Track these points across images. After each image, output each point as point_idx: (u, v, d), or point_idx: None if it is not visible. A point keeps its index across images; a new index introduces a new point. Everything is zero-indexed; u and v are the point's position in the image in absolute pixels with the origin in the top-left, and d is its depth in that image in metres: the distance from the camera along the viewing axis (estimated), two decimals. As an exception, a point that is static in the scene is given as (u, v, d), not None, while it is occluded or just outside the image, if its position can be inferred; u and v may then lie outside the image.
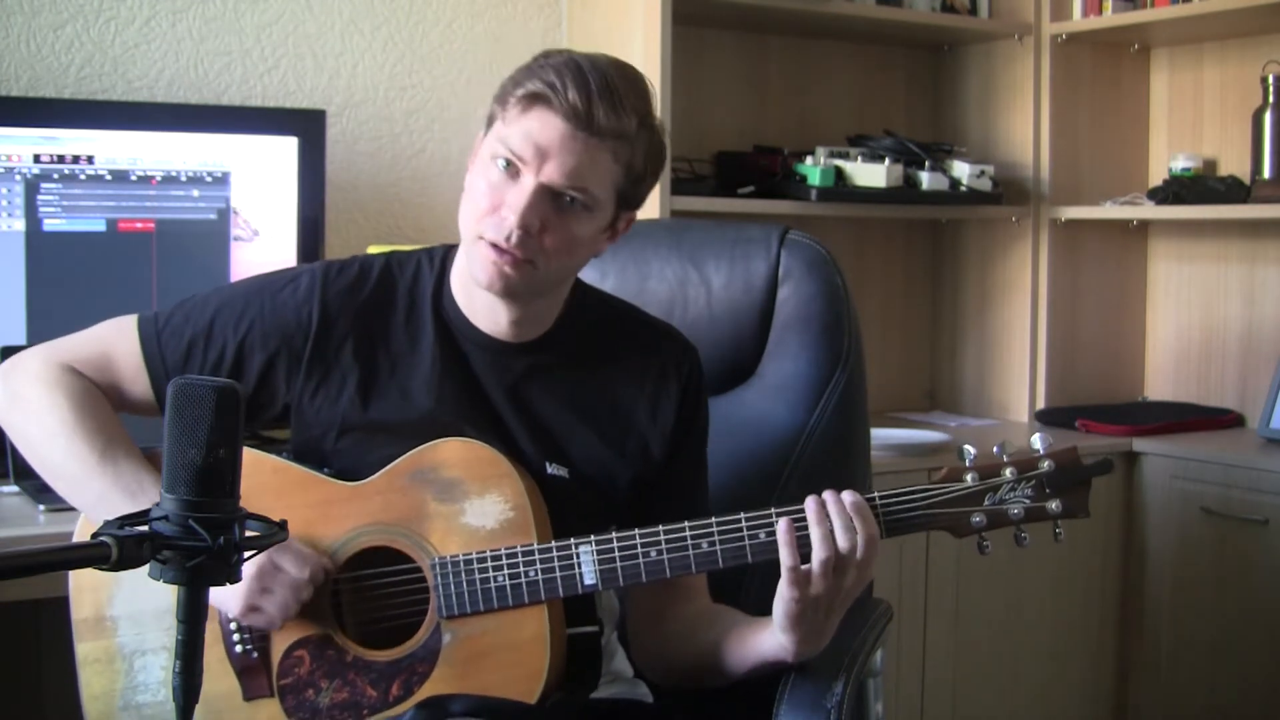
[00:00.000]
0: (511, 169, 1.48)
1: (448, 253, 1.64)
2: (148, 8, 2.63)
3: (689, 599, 1.64)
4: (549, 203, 1.48)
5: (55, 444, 1.53)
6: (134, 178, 2.40)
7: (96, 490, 1.50)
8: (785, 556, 1.43)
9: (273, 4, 2.74)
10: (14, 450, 1.66)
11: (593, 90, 1.46)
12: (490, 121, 1.53)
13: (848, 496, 1.44)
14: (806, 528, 1.43)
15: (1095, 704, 3.10)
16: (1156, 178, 3.35)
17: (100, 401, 1.56)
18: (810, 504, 1.44)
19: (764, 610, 1.50)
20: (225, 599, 1.49)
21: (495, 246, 1.48)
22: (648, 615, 1.66)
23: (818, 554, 1.42)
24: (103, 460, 1.51)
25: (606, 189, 1.51)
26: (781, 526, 1.44)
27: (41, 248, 2.33)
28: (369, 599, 1.54)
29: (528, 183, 1.47)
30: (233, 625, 1.53)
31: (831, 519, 1.43)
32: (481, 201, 1.49)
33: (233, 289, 1.63)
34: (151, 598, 1.54)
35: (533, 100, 1.47)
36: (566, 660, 1.52)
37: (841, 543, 1.42)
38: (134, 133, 2.40)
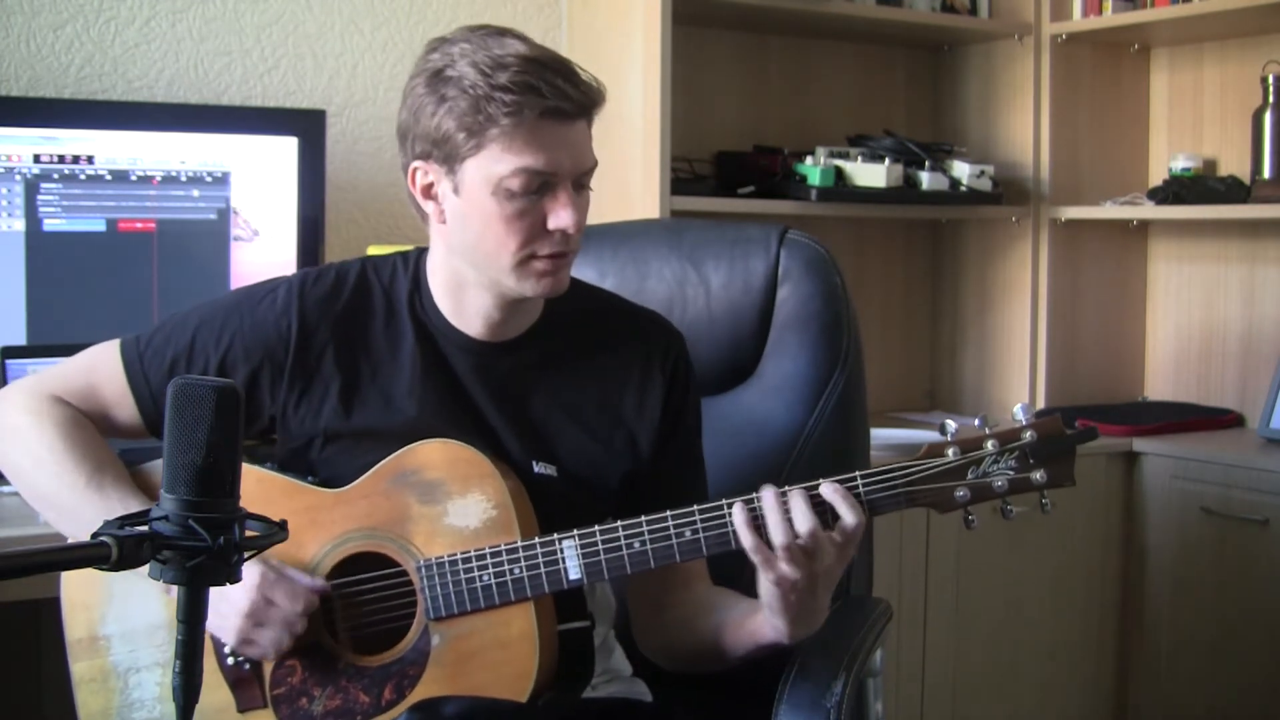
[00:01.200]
0: (540, 188, 1.47)
1: (420, 256, 1.63)
2: (148, 8, 2.63)
3: (688, 586, 1.64)
4: (578, 194, 1.51)
5: (43, 473, 1.55)
6: (134, 178, 2.40)
7: (85, 518, 1.50)
8: (745, 539, 1.43)
9: (273, 4, 2.74)
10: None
11: (563, 75, 1.47)
12: (456, 158, 1.48)
13: (825, 488, 1.43)
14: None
15: (1095, 704, 3.10)
16: (1156, 178, 3.35)
17: (87, 429, 1.57)
18: (767, 494, 1.44)
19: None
20: (221, 630, 1.49)
21: (554, 256, 1.50)
22: (648, 605, 1.66)
23: (776, 539, 1.42)
24: (89, 488, 1.51)
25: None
26: (737, 512, 1.44)
27: (41, 248, 2.33)
28: (358, 605, 1.53)
29: (565, 191, 1.48)
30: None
31: (790, 507, 1.42)
32: (517, 228, 1.48)
33: (212, 305, 1.63)
34: (143, 615, 1.55)
35: (524, 113, 1.44)
36: (558, 657, 1.52)
37: (800, 526, 1.41)
38: (134, 133, 2.40)
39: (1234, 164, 3.21)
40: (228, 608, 1.47)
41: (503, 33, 1.50)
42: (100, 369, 1.60)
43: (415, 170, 1.53)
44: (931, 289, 3.54)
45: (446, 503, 1.51)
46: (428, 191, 1.53)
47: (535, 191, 1.47)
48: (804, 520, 1.41)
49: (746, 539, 1.43)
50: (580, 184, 1.51)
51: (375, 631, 1.53)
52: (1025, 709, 3.01)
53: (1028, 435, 1.45)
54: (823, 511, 1.43)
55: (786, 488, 1.45)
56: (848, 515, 1.43)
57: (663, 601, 1.64)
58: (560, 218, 1.48)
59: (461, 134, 1.46)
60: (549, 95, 1.45)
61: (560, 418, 1.60)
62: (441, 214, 1.53)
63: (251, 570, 1.46)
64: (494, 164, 1.46)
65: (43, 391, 1.58)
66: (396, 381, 1.58)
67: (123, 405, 1.59)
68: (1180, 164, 3.22)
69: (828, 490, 1.43)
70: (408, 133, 1.52)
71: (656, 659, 1.69)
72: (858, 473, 1.46)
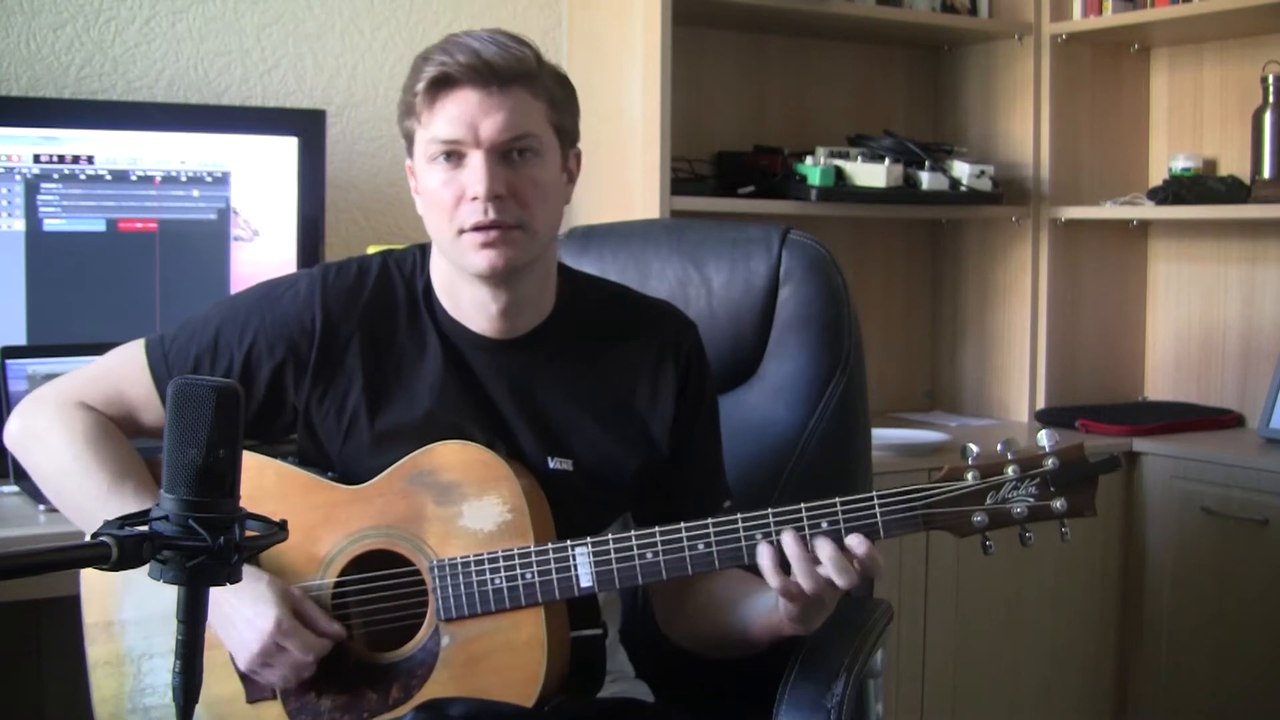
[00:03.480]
0: (454, 158, 1.50)
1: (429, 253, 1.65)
2: (148, 8, 2.63)
3: (708, 575, 1.63)
4: (503, 165, 1.50)
5: (67, 480, 1.56)
6: (134, 178, 2.40)
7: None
8: (772, 580, 1.44)
9: (273, 4, 2.74)
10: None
11: (477, 48, 1.49)
12: (410, 139, 1.55)
13: (855, 544, 1.42)
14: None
15: (1095, 704, 3.10)
16: (1156, 178, 3.35)
17: (112, 435, 1.57)
18: (789, 541, 1.43)
19: None
20: (235, 653, 1.50)
21: (479, 229, 1.49)
22: (670, 594, 1.66)
23: (805, 586, 1.42)
24: (110, 495, 1.51)
25: (543, 127, 1.53)
26: (764, 557, 1.44)
27: (41, 248, 2.33)
28: (370, 602, 1.54)
29: (475, 157, 1.49)
30: None
31: (819, 555, 1.42)
32: (444, 200, 1.51)
33: (233, 301, 1.63)
34: (159, 602, 1.55)
35: (435, 88, 1.49)
36: (569, 663, 1.52)
37: (840, 583, 1.42)
38: (134, 133, 2.40)
39: (1234, 164, 3.21)
40: (240, 639, 1.48)
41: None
42: (125, 371, 1.60)
43: (408, 169, 1.58)
44: (931, 289, 3.54)
45: (462, 504, 1.51)
46: (416, 189, 1.58)
47: (453, 162, 1.50)
48: (841, 576, 1.42)
49: (773, 580, 1.44)
50: (509, 153, 1.50)
51: (387, 629, 1.53)
52: (1025, 709, 3.01)
53: (1050, 462, 1.43)
54: (839, 541, 1.43)
55: (804, 515, 1.44)
56: (871, 571, 1.44)
57: (684, 591, 1.64)
58: (470, 185, 1.49)
59: (406, 119, 1.54)
60: (438, 64, 1.49)
61: (575, 413, 1.60)
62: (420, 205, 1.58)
63: (269, 614, 1.46)
64: (421, 140, 1.52)
65: (68, 398, 1.59)
66: (420, 378, 1.58)
67: (149, 406, 1.59)
68: (1180, 164, 3.22)
69: (855, 544, 1.42)
70: None
71: (681, 643, 1.69)
72: (874, 494, 1.44)
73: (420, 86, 1.50)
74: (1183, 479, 2.95)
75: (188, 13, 2.66)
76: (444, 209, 1.51)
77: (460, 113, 1.48)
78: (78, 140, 2.35)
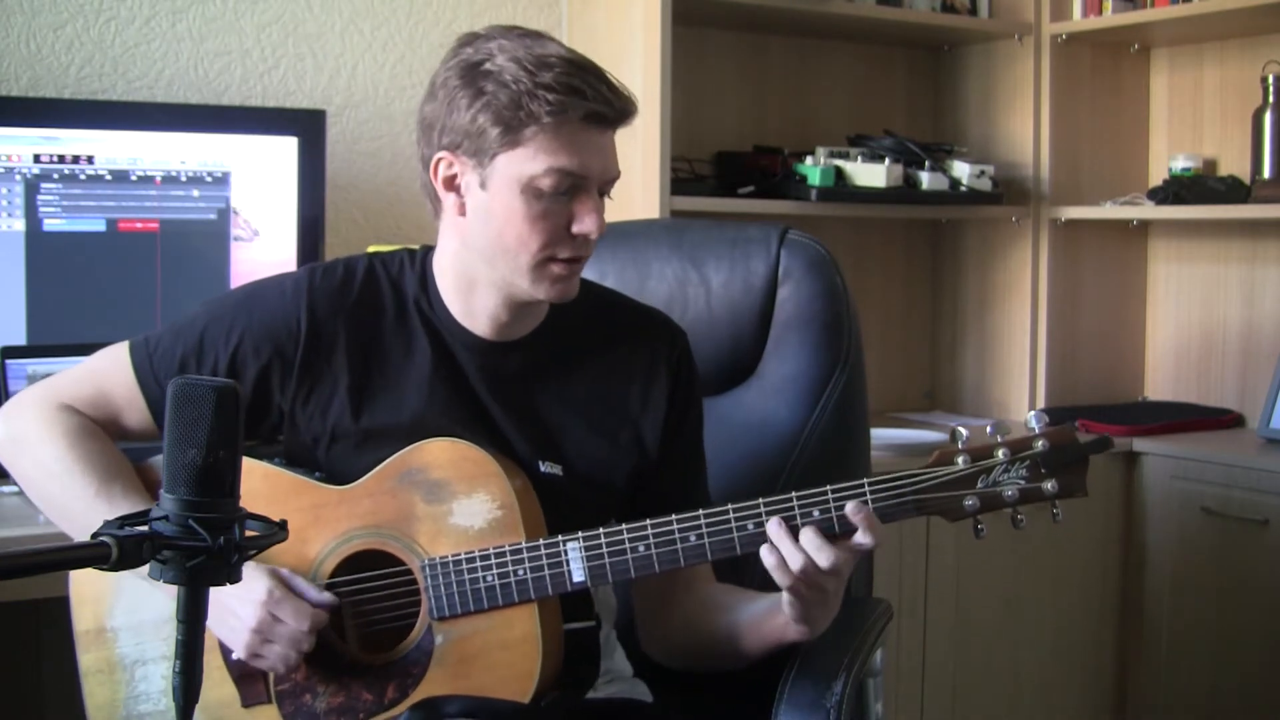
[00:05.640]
0: (570, 190, 1.48)
1: (427, 254, 1.63)
2: (148, 8, 2.63)
3: (694, 584, 1.64)
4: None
5: (53, 484, 1.54)
6: (134, 178, 2.40)
7: (94, 528, 1.50)
8: (780, 579, 1.44)
9: (273, 4, 2.74)
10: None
11: (612, 87, 1.48)
12: (487, 144, 1.47)
13: (851, 510, 1.43)
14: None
15: (1095, 703, 3.10)
16: (1156, 178, 3.35)
17: (98, 438, 1.56)
18: (772, 528, 1.43)
19: (767, 583, 1.49)
20: (231, 642, 1.50)
21: (571, 261, 1.51)
22: (654, 603, 1.66)
23: (794, 566, 1.42)
24: (97, 498, 1.50)
25: None
26: (768, 555, 1.43)
27: (41, 248, 2.33)
28: (363, 602, 1.54)
29: (592, 196, 1.50)
30: None
31: (805, 545, 1.42)
32: (540, 227, 1.48)
33: (220, 302, 1.62)
34: (151, 608, 1.55)
35: (566, 114, 1.45)
36: (563, 657, 1.52)
37: (822, 562, 1.42)
38: (134, 133, 2.40)
39: (1234, 164, 3.21)
40: (236, 622, 1.47)
41: (539, 34, 1.51)
42: (110, 373, 1.59)
43: (440, 161, 1.52)
44: (931, 289, 3.54)
45: (452, 502, 1.51)
46: (450, 183, 1.53)
47: (564, 193, 1.48)
48: (826, 557, 1.42)
49: (782, 580, 1.44)
50: (604, 191, 1.53)
51: (380, 629, 1.53)
52: (1025, 709, 3.01)
53: (1040, 444, 1.43)
54: (832, 529, 1.43)
55: (794, 503, 1.44)
56: (865, 540, 1.43)
57: (670, 600, 1.64)
58: (585, 222, 1.49)
59: (498, 128, 1.46)
60: (592, 99, 1.46)
61: (566, 417, 1.60)
62: (462, 207, 1.52)
63: (259, 586, 1.46)
64: (528, 161, 1.46)
65: (52, 400, 1.58)
66: (407, 380, 1.57)
67: (134, 408, 1.58)
68: (1180, 164, 3.22)
69: (853, 510, 1.43)
70: (435, 123, 1.52)
71: (662, 658, 1.69)
72: (865, 480, 1.45)
73: (553, 117, 1.44)
74: (1183, 479, 2.95)
75: (188, 13, 2.67)
76: (534, 235, 1.48)
77: (596, 149, 1.48)
78: (78, 140, 2.35)
